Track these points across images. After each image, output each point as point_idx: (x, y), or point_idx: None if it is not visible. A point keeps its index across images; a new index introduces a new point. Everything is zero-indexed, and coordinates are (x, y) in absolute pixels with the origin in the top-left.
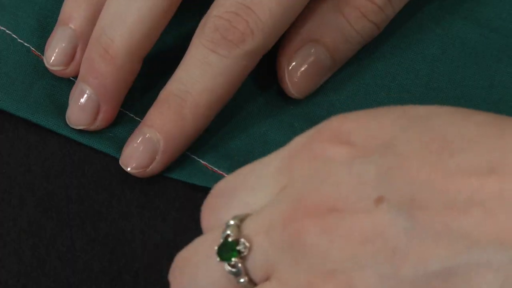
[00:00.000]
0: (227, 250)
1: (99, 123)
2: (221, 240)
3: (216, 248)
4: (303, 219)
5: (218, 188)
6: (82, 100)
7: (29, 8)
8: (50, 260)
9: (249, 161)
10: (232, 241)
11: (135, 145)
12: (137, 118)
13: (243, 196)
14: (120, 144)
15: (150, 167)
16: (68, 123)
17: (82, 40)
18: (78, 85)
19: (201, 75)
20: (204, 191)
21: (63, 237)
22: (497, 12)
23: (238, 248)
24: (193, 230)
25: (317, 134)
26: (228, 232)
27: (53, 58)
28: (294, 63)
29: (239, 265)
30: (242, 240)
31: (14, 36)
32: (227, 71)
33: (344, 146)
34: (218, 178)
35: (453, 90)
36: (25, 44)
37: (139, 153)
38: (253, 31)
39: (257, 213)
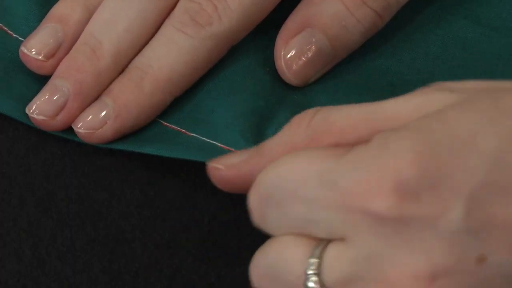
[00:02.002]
0: None
1: (59, 119)
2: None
3: None
4: None
5: (265, 185)
6: (53, 92)
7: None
8: (50, 260)
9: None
10: None
11: (89, 107)
12: None
13: (301, 211)
14: (121, 141)
15: (99, 130)
16: (27, 109)
17: (68, 41)
18: (52, 81)
19: (166, 52)
20: (205, 192)
21: (63, 237)
22: (498, 12)
23: None
24: (193, 230)
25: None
26: (310, 284)
27: (36, 48)
28: (292, 50)
29: None
30: None
31: (20, 38)
32: (192, 50)
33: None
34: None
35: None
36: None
37: (90, 115)
38: (220, 17)
39: (337, 257)
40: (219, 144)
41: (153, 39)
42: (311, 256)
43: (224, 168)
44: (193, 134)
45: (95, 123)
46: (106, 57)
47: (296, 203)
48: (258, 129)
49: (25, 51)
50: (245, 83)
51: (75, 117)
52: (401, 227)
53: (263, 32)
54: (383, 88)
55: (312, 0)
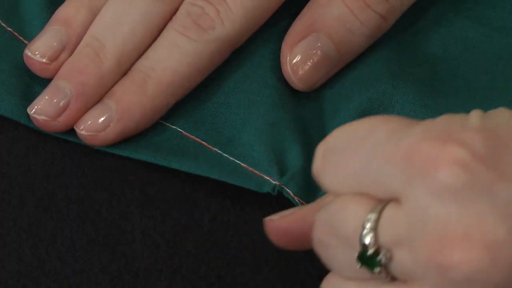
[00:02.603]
0: (367, 259)
1: (61, 120)
2: (360, 249)
3: (355, 255)
4: (452, 253)
5: (336, 135)
6: (55, 93)
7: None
8: (50, 260)
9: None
10: (372, 254)
11: (92, 109)
12: None
13: (362, 160)
14: (125, 143)
15: (102, 133)
16: (28, 110)
17: (72, 44)
18: (54, 82)
19: (168, 55)
20: (205, 192)
21: (63, 237)
22: (498, 12)
23: (378, 258)
24: (193, 230)
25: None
26: (366, 241)
27: (40, 51)
28: (298, 56)
29: (380, 269)
30: (382, 252)
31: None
32: (195, 54)
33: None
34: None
35: (455, 81)
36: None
37: (93, 118)
38: (223, 20)
39: (393, 216)
40: (243, 164)
41: (156, 42)
42: (371, 212)
43: (279, 218)
44: (216, 149)
45: (97, 125)
46: (109, 59)
47: (358, 152)
48: (280, 146)
49: (29, 54)
50: (262, 93)
51: (77, 119)
52: (459, 191)
53: (275, 37)
54: (386, 77)
55: (316, 4)
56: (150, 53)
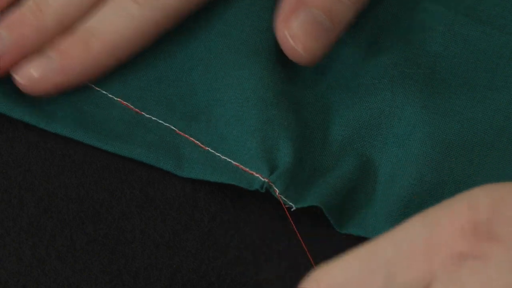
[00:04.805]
0: None
1: None
2: None
3: None
4: None
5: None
6: None
7: None
8: (50, 260)
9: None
10: None
11: (31, 57)
12: (134, 108)
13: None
14: (120, 141)
15: (40, 82)
16: None
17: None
18: None
19: (114, 17)
20: (205, 192)
21: (63, 237)
22: (499, 11)
23: None
24: (193, 230)
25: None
26: None
27: None
28: (295, 29)
29: None
30: None
31: None
32: (140, 18)
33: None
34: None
35: (456, 80)
36: None
37: (30, 65)
38: None
39: None
40: (233, 163)
41: (103, 3)
42: None
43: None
44: (208, 149)
45: (34, 73)
46: (51, 14)
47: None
48: (272, 144)
49: None
50: (256, 90)
51: (13, 64)
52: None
53: (262, 23)
54: (384, 83)
55: None
56: (97, 13)
